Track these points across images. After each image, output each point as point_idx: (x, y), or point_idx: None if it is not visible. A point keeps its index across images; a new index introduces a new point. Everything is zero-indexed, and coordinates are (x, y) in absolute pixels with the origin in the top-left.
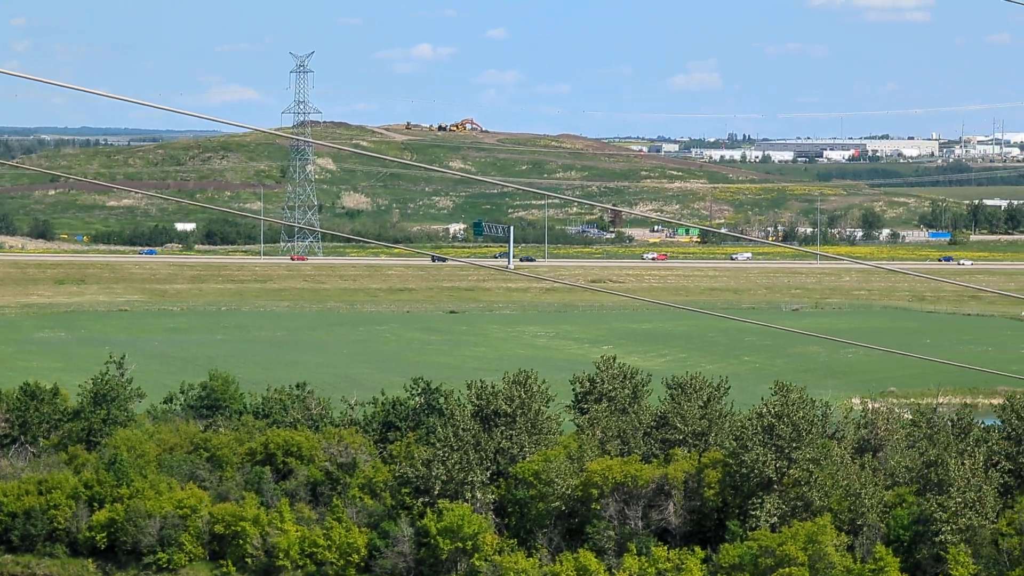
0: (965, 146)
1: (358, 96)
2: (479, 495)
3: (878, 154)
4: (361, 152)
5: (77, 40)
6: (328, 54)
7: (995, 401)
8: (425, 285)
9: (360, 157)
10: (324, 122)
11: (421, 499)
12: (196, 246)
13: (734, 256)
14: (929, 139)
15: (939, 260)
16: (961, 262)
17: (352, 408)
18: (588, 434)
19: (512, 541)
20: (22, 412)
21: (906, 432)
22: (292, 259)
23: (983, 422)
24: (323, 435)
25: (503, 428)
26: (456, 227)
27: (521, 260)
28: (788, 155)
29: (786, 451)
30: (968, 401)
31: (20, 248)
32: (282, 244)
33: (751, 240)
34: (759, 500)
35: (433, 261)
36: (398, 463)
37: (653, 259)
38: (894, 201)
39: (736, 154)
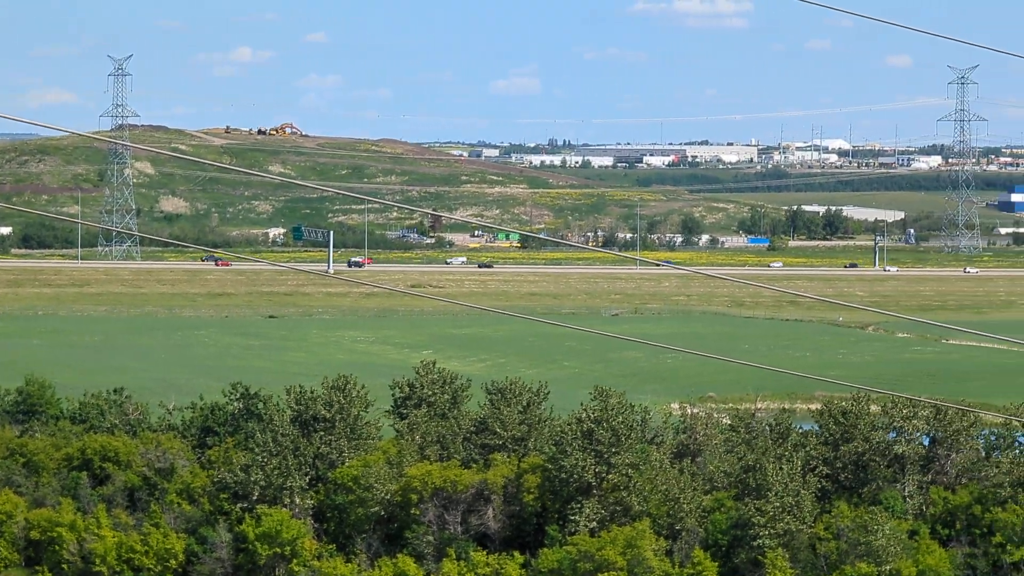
0: (784, 152)
1: (177, 99)
2: (298, 500)
3: (698, 160)
4: (179, 156)
5: None
6: (147, 57)
7: (813, 406)
8: (244, 290)
9: (179, 161)
10: (142, 126)
11: (239, 504)
12: (12, 250)
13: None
14: (748, 145)
15: (658, 264)
16: (887, 268)
17: (170, 413)
18: (407, 439)
19: (331, 546)
20: None
21: (725, 437)
22: (217, 264)
23: (801, 427)
24: (141, 440)
25: (322, 433)
26: (276, 231)
27: (479, 266)
28: (608, 160)
29: (605, 456)
30: (786, 406)
31: None
32: (100, 248)
33: (571, 245)
34: (578, 505)
35: (349, 266)
36: (216, 468)
37: (360, 264)
38: (713, 207)
39: (556, 159)
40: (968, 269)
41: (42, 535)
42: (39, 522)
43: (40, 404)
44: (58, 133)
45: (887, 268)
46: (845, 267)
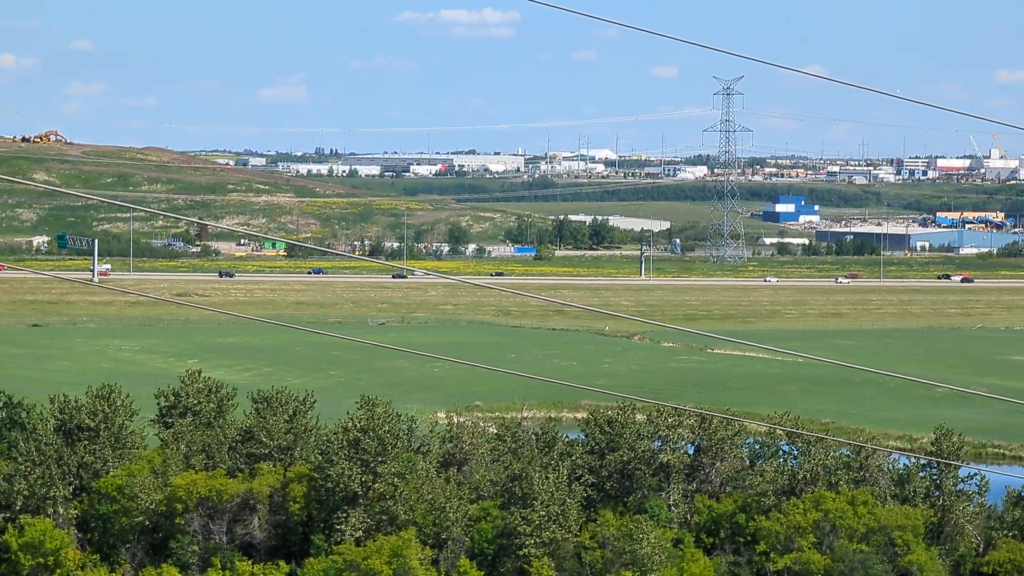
0: (551, 162)
1: None
2: (61, 510)
3: (465, 169)
4: None
5: None
6: None
7: (579, 415)
8: (7, 298)
9: None
10: None
11: (2, 514)
12: None
13: (98, 269)
14: (515, 154)
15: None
16: (767, 279)
17: None
18: (173, 448)
19: (95, 556)
20: None
21: (491, 446)
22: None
23: (567, 436)
24: None
25: (86, 443)
26: (39, 239)
27: (394, 277)
28: (375, 169)
29: (371, 465)
30: (553, 415)
31: None
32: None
33: (338, 254)
34: (344, 514)
35: (220, 276)
36: None
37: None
38: (480, 216)
39: (323, 168)
40: (841, 279)
41: None
42: None
43: None
44: None
45: (767, 279)
46: (492, 275)
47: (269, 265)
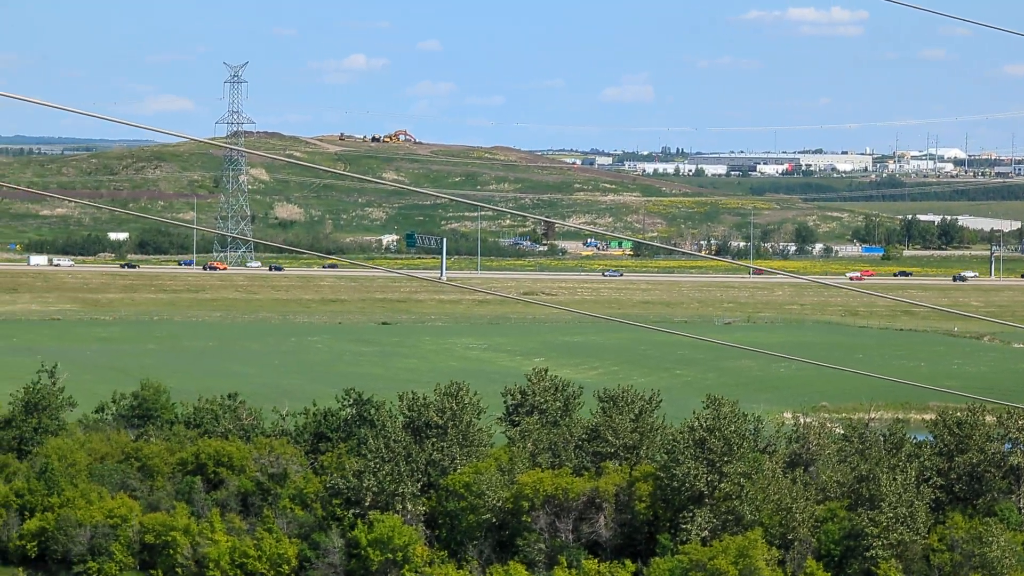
0: (899, 161)
1: (291, 107)
2: (410, 506)
3: (812, 168)
4: (294, 162)
5: (5, 48)
6: (261, 64)
7: (927, 416)
8: (357, 296)
9: (293, 167)
10: (257, 132)
11: (352, 510)
12: (129, 256)
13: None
14: (863, 154)
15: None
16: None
17: (283, 418)
18: (519, 446)
19: (443, 553)
20: None
21: (838, 447)
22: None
23: (915, 437)
24: (254, 445)
25: (434, 440)
26: (389, 238)
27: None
28: (721, 169)
29: (717, 465)
30: (900, 416)
31: None
32: (215, 254)
33: (684, 253)
34: (690, 514)
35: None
36: (329, 474)
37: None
38: (827, 215)
39: (670, 167)
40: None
41: (156, 539)
42: (154, 526)
43: (155, 409)
44: (174, 140)
45: None
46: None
47: (615, 264)
